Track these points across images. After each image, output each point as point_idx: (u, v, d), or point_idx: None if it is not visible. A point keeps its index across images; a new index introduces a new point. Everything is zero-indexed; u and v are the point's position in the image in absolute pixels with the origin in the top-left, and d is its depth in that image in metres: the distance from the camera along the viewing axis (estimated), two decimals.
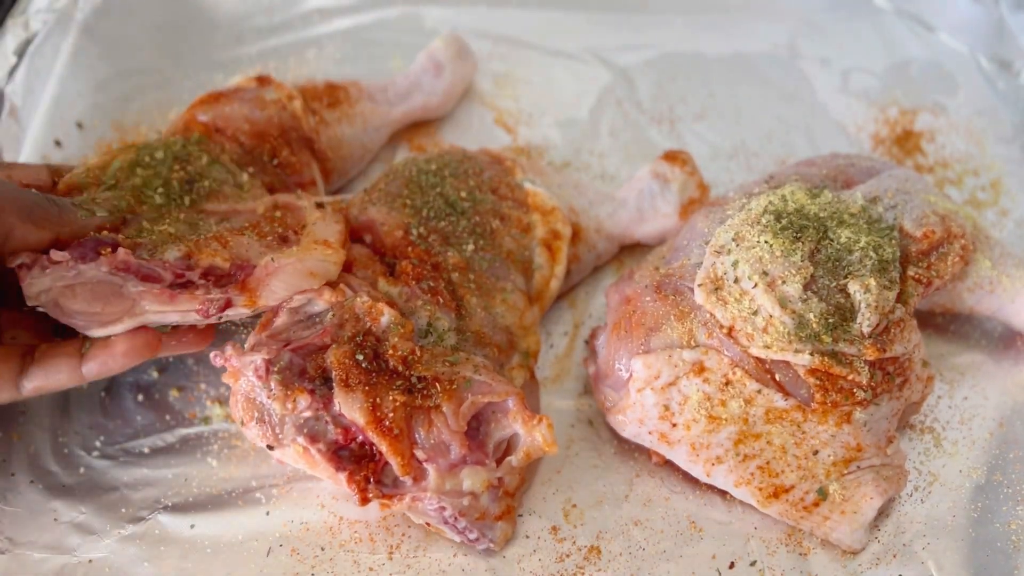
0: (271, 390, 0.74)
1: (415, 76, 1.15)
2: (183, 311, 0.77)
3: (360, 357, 0.76)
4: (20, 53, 1.11)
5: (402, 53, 1.25)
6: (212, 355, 0.78)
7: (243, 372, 0.76)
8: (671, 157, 1.02)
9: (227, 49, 1.25)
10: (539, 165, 1.05)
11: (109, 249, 0.76)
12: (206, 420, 0.90)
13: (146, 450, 0.88)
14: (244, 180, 0.90)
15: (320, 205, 0.88)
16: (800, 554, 0.81)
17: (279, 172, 0.94)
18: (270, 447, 0.77)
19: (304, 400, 0.74)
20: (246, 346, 0.78)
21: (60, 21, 1.17)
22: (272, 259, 0.79)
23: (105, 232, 0.78)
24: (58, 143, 1.10)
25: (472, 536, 0.78)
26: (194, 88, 1.14)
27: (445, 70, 1.15)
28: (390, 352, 0.77)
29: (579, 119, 1.20)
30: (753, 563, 0.81)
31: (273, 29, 1.28)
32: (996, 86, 1.21)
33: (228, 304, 0.78)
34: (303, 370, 0.76)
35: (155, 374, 0.92)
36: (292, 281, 0.79)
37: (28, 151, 1.07)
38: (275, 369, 0.75)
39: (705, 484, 0.85)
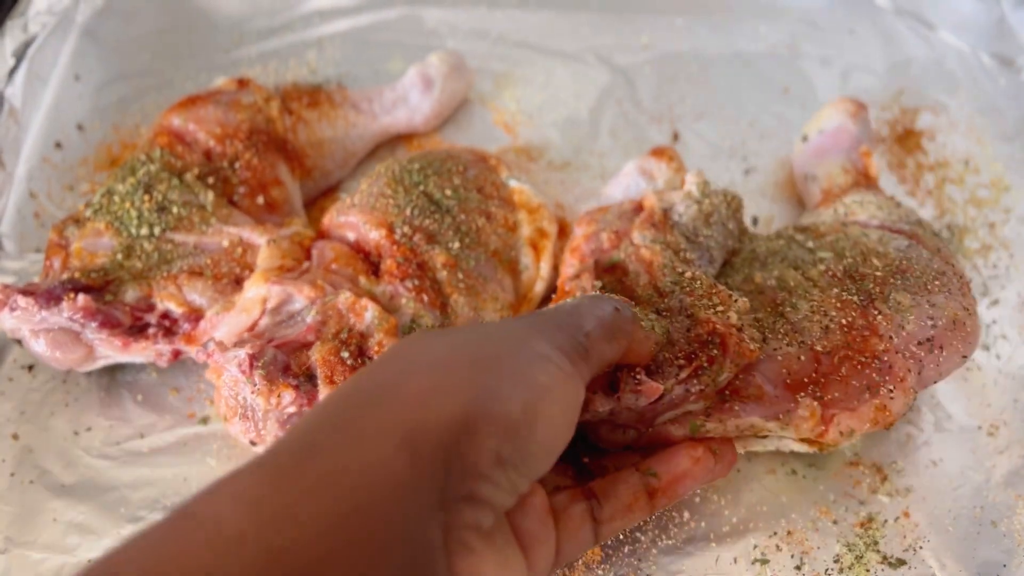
0: (255, 385, 0.74)
1: (402, 90, 1.13)
2: (136, 358, 0.86)
3: (345, 354, 0.75)
4: (19, 55, 1.11)
5: (402, 54, 1.25)
6: (195, 351, 0.79)
7: (227, 367, 0.76)
8: (658, 153, 1.01)
9: (227, 51, 1.25)
10: (524, 163, 1.04)
11: (73, 294, 0.82)
12: (205, 420, 0.90)
13: (146, 450, 0.88)
14: (209, 200, 0.92)
15: (273, 241, 0.89)
16: (803, 552, 0.81)
17: (240, 176, 0.96)
18: (253, 443, 0.77)
19: (288, 395, 0.74)
20: (230, 342, 0.78)
21: (60, 23, 1.17)
22: (217, 312, 0.84)
23: (76, 275, 0.84)
24: (59, 145, 1.10)
25: None
26: (194, 90, 1.13)
27: (435, 87, 1.13)
28: (375, 349, 0.77)
29: (579, 119, 1.20)
30: (754, 561, 0.81)
31: (273, 31, 1.28)
32: (998, 84, 1.21)
33: (177, 354, 0.87)
34: (287, 366, 0.76)
35: (154, 374, 0.92)
36: (234, 330, 0.83)
37: (28, 153, 1.07)
38: (259, 364, 0.74)
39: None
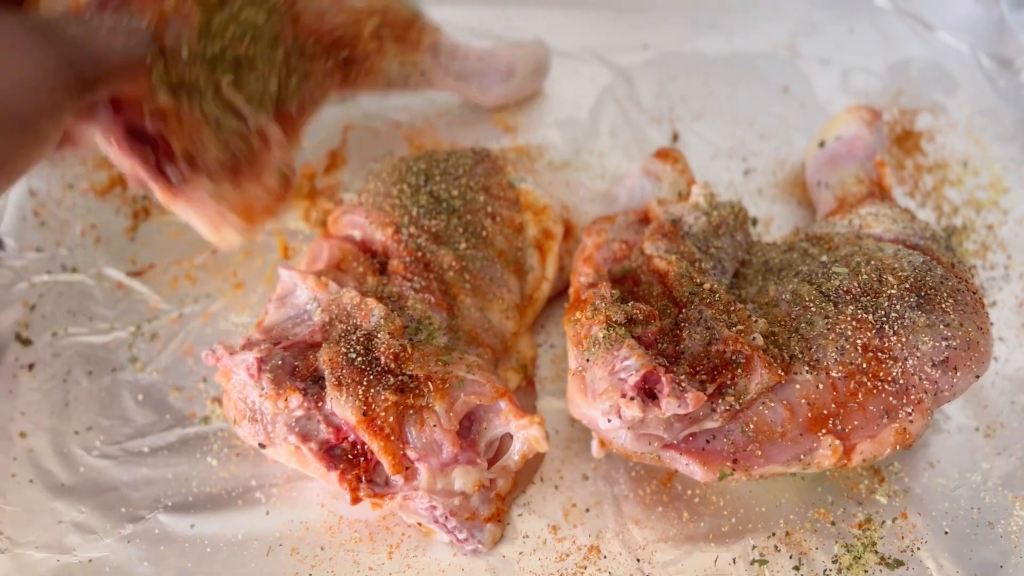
0: (263, 389, 0.75)
1: (485, 66, 1.12)
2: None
3: (352, 356, 0.76)
4: None
5: None
6: (204, 354, 0.79)
7: (235, 371, 0.76)
8: (663, 155, 1.01)
9: None
10: (524, 163, 1.04)
11: None
12: (206, 420, 0.90)
13: (146, 450, 0.88)
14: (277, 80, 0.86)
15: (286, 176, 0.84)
16: (801, 553, 0.81)
17: (306, 68, 0.91)
18: (262, 445, 0.78)
19: (296, 399, 0.74)
20: (238, 345, 0.78)
21: None
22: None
23: None
24: None
25: (461, 536, 0.79)
26: None
27: (514, 79, 1.13)
28: (382, 349, 0.77)
29: (579, 119, 1.20)
30: (753, 562, 0.81)
31: None
32: (996, 85, 1.21)
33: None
34: (295, 369, 0.76)
35: (155, 374, 0.92)
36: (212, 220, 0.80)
37: None
38: (267, 368, 0.75)
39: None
